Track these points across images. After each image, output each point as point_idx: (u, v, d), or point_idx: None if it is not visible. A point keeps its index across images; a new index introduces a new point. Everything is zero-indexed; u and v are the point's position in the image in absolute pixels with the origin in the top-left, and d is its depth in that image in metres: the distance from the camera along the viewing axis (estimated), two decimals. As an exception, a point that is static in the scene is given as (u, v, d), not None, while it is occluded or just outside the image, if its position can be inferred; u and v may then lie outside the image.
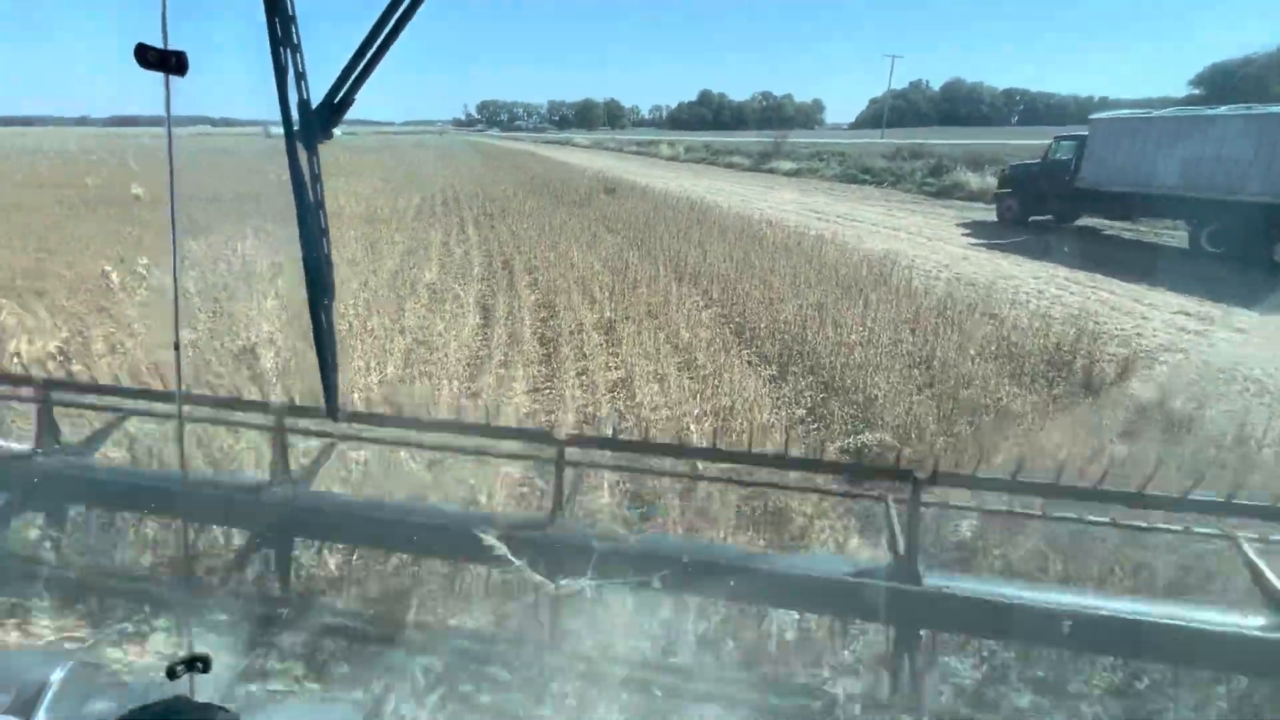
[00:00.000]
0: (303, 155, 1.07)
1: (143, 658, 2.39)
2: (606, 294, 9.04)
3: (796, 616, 2.64)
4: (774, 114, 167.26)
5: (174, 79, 0.86)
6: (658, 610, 2.55)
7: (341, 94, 1.01)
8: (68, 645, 2.46)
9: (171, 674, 0.85)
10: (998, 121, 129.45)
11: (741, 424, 5.04)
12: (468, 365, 6.57)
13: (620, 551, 2.33)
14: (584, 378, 6.27)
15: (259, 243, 11.47)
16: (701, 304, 8.87)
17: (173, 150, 1.09)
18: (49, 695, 1.48)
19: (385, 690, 2.28)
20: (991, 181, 20.83)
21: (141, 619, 2.57)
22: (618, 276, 9.97)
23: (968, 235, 15.91)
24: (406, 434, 2.72)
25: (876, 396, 5.72)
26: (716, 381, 6.09)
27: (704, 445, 2.56)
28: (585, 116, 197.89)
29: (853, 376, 6.11)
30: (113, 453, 3.14)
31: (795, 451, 2.64)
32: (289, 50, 0.97)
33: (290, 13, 0.93)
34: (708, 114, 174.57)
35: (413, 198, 20.31)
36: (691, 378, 6.32)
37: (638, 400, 5.60)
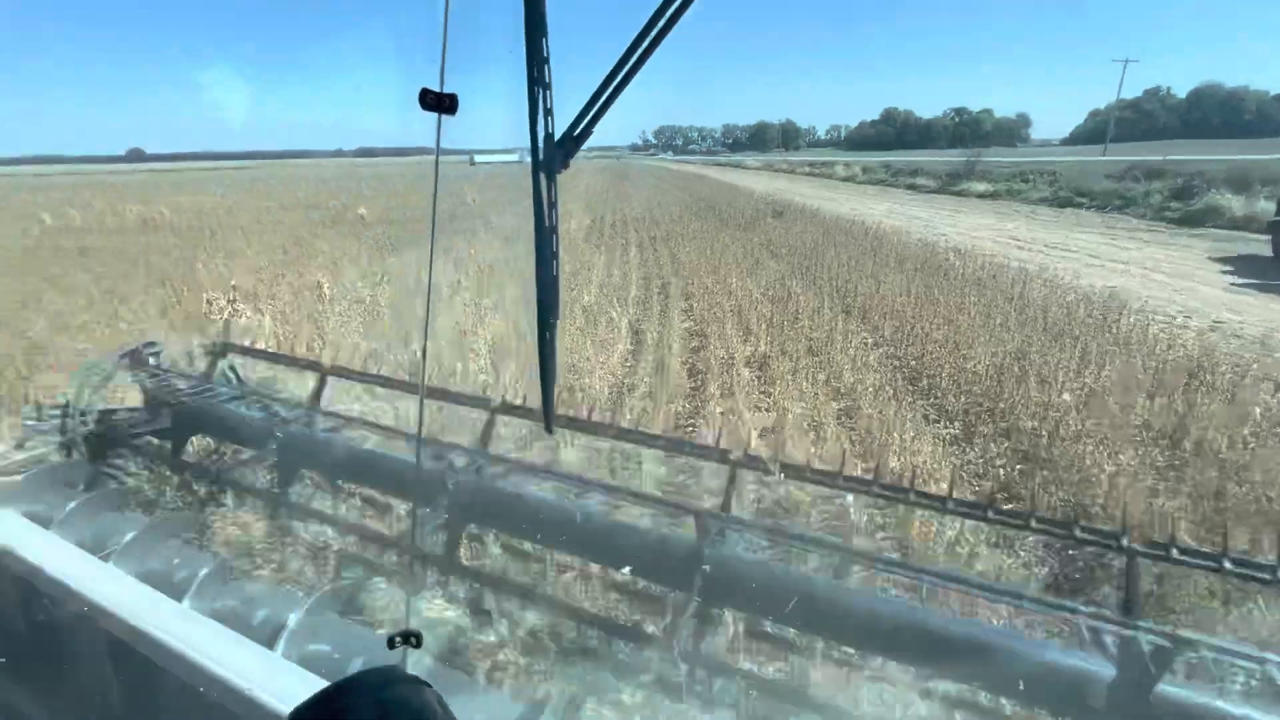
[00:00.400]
0: (543, 183, 1.19)
1: (367, 623, 2.59)
2: (764, 325, 8.47)
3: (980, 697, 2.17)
4: (968, 131, 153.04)
5: (445, 118, 0.99)
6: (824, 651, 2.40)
7: (580, 128, 1.12)
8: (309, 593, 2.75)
9: (391, 644, 0.94)
10: (1267, 132, 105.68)
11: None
12: (612, 392, 6.42)
13: (778, 585, 2.22)
14: (729, 419, 5.78)
15: (444, 260, 12.61)
16: (870, 342, 7.94)
17: (437, 179, 1.23)
18: (287, 631, 1.87)
19: (556, 688, 2.35)
20: (1265, 206, 16.73)
21: (368, 584, 2.83)
22: (778, 306, 9.34)
23: (1229, 274, 12.76)
24: (596, 440, 2.90)
25: (1097, 477, 4.53)
26: (884, 436, 5.26)
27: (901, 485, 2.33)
28: (759, 139, 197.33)
29: (1063, 448, 4.93)
30: (357, 429, 3.58)
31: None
32: (541, 89, 1.11)
33: (545, 55, 1.08)
34: (890, 133, 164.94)
35: (584, 219, 21.32)
36: (852, 429, 5.55)
37: (788, 451, 4.98)
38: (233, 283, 9.16)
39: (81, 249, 15.97)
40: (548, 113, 1.13)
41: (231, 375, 3.81)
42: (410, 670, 0.82)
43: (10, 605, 2.36)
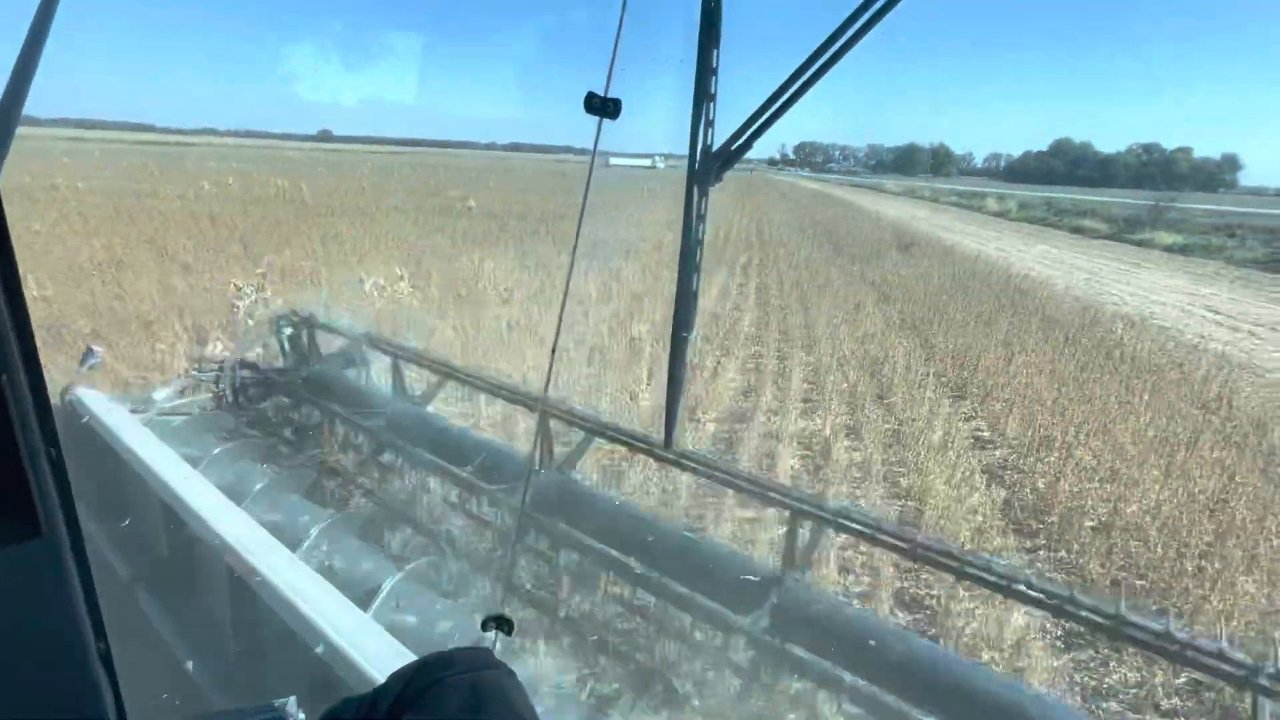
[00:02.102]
0: (695, 195, 1.28)
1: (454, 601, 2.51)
2: (839, 393, 6.69)
3: None
4: (1158, 171, 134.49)
5: (606, 121, 1.05)
6: None
7: (739, 142, 1.21)
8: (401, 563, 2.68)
9: (485, 626, 0.99)
10: None
11: None
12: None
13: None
14: (746, 525, 4.19)
15: (515, 264, 11.85)
16: (986, 441, 5.93)
17: (590, 180, 1.25)
18: (381, 597, 2.20)
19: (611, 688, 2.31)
20: None
21: (461, 564, 2.79)
22: (866, 371, 7.47)
23: None
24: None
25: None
26: (960, 605, 3.46)
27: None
28: (906, 162, 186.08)
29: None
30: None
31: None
32: (707, 101, 1.20)
33: (715, 67, 1.18)
34: (1060, 166, 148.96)
35: (685, 233, 20.04)
36: (920, 587, 3.77)
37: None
38: (260, 271, 8.81)
39: (211, 215, 17.10)
40: (709, 124, 1.24)
41: (358, 356, 4.14)
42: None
43: (154, 531, 2.68)
